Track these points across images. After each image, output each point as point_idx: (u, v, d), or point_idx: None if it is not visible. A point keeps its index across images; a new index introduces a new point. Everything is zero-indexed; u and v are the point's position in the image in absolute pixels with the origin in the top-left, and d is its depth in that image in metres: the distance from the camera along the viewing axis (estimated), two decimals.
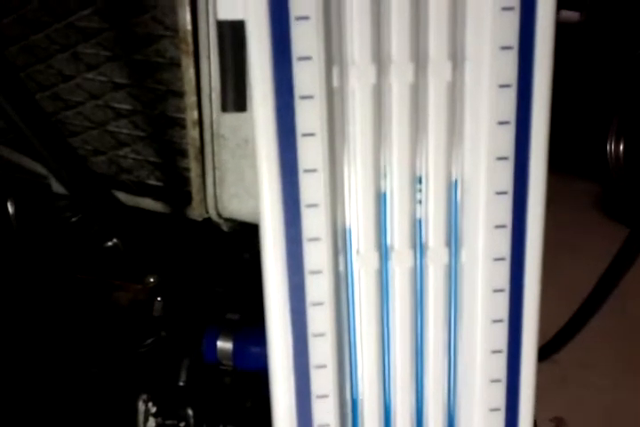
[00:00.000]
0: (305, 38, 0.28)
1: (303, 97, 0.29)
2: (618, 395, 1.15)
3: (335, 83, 0.30)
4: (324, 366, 0.32)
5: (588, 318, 0.54)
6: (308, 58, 0.29)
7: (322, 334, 0.32)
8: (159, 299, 0.58)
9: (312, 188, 0.30)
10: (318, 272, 0.31)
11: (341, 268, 0.32)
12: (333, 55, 0.30)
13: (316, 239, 0.31)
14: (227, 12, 0.28)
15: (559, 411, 1.09)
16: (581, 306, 0.54)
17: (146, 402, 0.54)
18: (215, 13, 0.28)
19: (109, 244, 0.52)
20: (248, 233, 0.46)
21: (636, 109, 1.43)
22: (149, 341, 0.57)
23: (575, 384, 1.14)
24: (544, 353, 0.58)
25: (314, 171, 0.30)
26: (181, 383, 0.55)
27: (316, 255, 0.31)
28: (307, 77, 0.29)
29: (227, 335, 0.53)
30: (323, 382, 0.32)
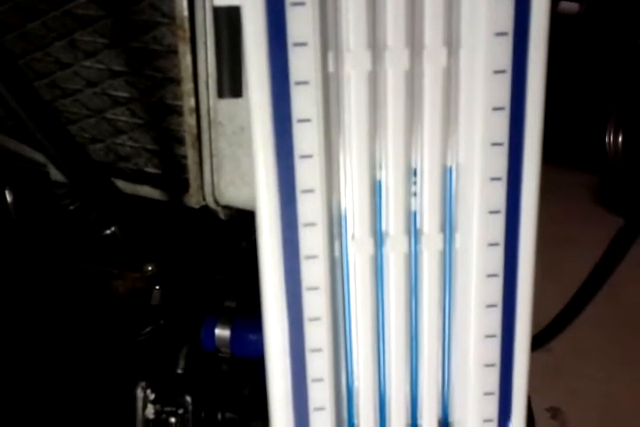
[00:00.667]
0: (300, 24, 0.29)
1: (298, 83, 0.29)
2: (613, 384, 1.15)
3: (331, 68, 0.30)
4: (319, 350, 0.33)
5: (582, 306, 0.54)
6: (303, 44, 0.29)
7: (317, 319, 0.32)
8: (157, 287, 0.58)
9: (308, 173, 0.31)
10: (314, 257, 0.32)
11: (337, 253, 0.33)
12: (329, 41, 0.30)
13: (311, 224, 0.31)
14: None
15: (555, 401, 1.10)
16: (575, 295, 0.54)
17: (144, 389, 0.54)
18: (211, 1, 0.28)
19: (108, 232, 0.52)
20: (245, 221, 0.46)
21: (635, 101, 1.43)
22: (148, 329, 0.58)
23: (570, 374, 1.14)
24: (538, 342, 0.58)
25: (309, 156, 0.30)
26: (180, 371, 0.55)
27: (312, 240, 0.31)
28: (302, 63, 0.29)
29: (224, 323, 0.54)
30: (318, 365, 0.33)
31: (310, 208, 0.31)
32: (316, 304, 0.32)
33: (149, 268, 0.57)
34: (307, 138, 0.30)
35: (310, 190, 0.31)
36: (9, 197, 0.50)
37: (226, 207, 0.42)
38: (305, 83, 0.29)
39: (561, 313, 0.56)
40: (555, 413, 1.10)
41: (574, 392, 1.14)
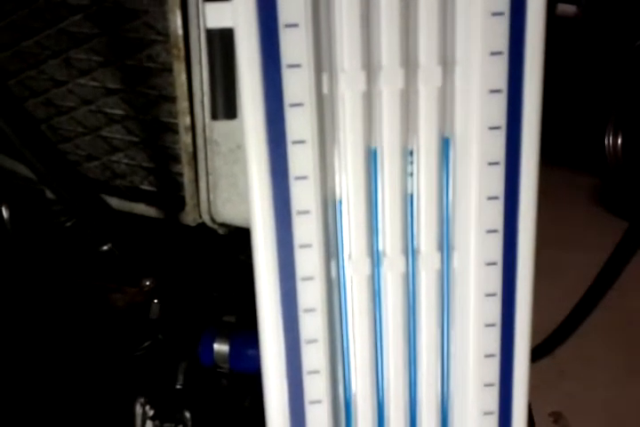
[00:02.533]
0: (294, 46, 0.28)
1: (293, 104, 0.29)
2: (616, 389, 1.15)
3: (325, 90, 0.30)
4: (316, 372, 0.32)
5: (587, 313, 0.54)
6: (297, 65, 0.29)
7: (314, 341, 0.32)
8: (156, 301, 0.58)
9: (303, 194, 0.30)
10: (310, 278, 0.31)
11: (333, 273, 0.32)
12: (323, 62, 0.29)
13: (307, 246, 0.31)
14: (215, 20, 0.28)
15: (558, 405, 1.09)
16: (580, 301, 0.54)
17: (143, 405, 0.54)
18: (204, 22, 0.28)
19: (105, 248, 0.52)
20: (243, 235, 0.46)
21: (634, 103, 1.43)
22: (146, 344, 0.57)
23: (574, 379, 1.14)
24: (544, 349, 0.58)
25: (304, 178, 0.30)
26: (179, 386, 0.55)
27: (308, 261, 0.31)
28: (296, 85, 0.29)
29: (223, 338, 0.53)
30: (316, 388, 0.32)
31: (306, 229, 0.31)
32: (312, 326, 0.32)
33: (147, 282, 0.57)
34: (302, 159, 0.30)
35: (306, 211, 0.31)
36: (5, 214, 0.50)
37: (223, 225, 0.42)
38: (299, 104, 0.29)
39: (566, 320, 0.56)
40: (557, 417, 1.09)
41: (577, 397, 1.13)
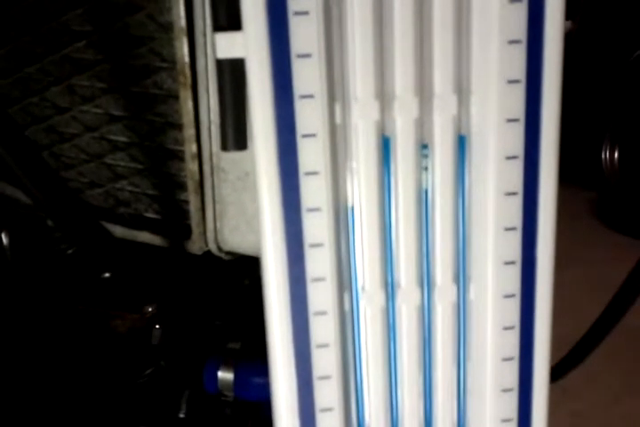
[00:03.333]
0: (306, 76, 0.28)
1: (305, 135, 0.28)
2: (620, 408, 1.14)
3: (338, 120, 0.29)
4: (330, 410, 0.31)
5: (598, 342, 0.53)
6: (309, 96, 0.28)
7: (327, 377, 0.31)
8: (157, 327, 0.57)
9: (316, 227, 0.30)
10: (323, 313, 0.30)
11: (347, 306, 0.31)
12: (335, 92, 0.29)
13: (320, 279, 0.30)
14: (226, 50, 0.27)
15: (561, 424, 1.08)
16: (590, 329, 0.53)
17: None
18: (214, 52, 0.27)
19: (106, 275, 0.51)
20: (247, 260, 0.45)
21: (631, 117, 1.43)
22: (149, 371, 0.56)
23: (577, 398, 1.13)
24: (552, 376, 0.57)
25: (317, 210, 0.29)
26: (182, 415, 0.54)
27: (321, 296, 0.30)
28: (309, 115, 0.28)
29: (228, 365, 0.52)
30: (329, 425, 0.31)
31: (319, 262, 0.30)
32: (325, 362, 0.31)
33: (149, 309, 0.56)
34: (314, 190, 0.29)
35: (319, 244, 0.30)
36: (5, 241, 0.49)
37: (229, 253, 0.41)
38: (312, 135, 0.28)
39: (576, 347, 0.55)
40: None
41: (580, 416, 1.12)
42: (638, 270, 0.46)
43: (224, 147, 0.29)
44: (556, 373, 0.56)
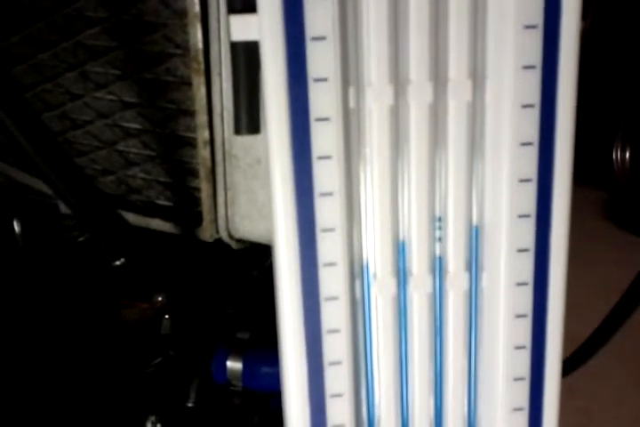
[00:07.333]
0: (321, 59, 0.28)
1: (319, 119, 0.28)
2: (628, 407, 1.13)
3: (352, 104, 0.29)
4: (340, 395, 0.31)
5: (607, 338, 0.53)
6: (324, 79, 0.28)
7: (338, 363, 0.31)
8: (167, 317, 0.57)
9: (328, 211, 0.29)
10: (334, 298, 0.30)
11: (358, 293, 0.31)
12: (350, 76, 0.29)
13: (332, 264, 0.30)
14: (240, 32, 0.27)
15: (568, 422, 1.08)
16: (599, 327, 0.53)
17: (154, 423, 0.53)
18: (229, 34, 0.27)
19: (117, 263, 0.51)
20: (257, 250, 0.45)
21: None
22: (158, 360, 0.56)
23: (584, 396, 1.12)
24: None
25: (330, 194, 0.29)
26: (190, 404, 0.54)
27: (332, 281, 0.30)
28: (323, 99, 0.28)
29: (237, 355, 0.52)
30: (339, 412, 0.31)
31: (331, 247, 0.30)
32: (336, 348, 0.31)
33: (159, 298, 0.56)
34: (327, 175, 0.29)
35: (331, 229, 0.30)
36: (17, 229, 0.49)
37: (240, 241, 0.41)
38: (325, 119, 0.28)
39: (584, 345, 0.54)
40: None
41: (588, 414, 1.12)
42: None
43: (237, 130, 0.28)
44: (565, 369, 0.56)
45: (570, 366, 0.56)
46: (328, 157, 0.29)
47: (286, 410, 0.31)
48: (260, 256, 0.58)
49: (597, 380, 1.14)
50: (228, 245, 0.44)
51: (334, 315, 0.30)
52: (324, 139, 0.29)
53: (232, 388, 0.53)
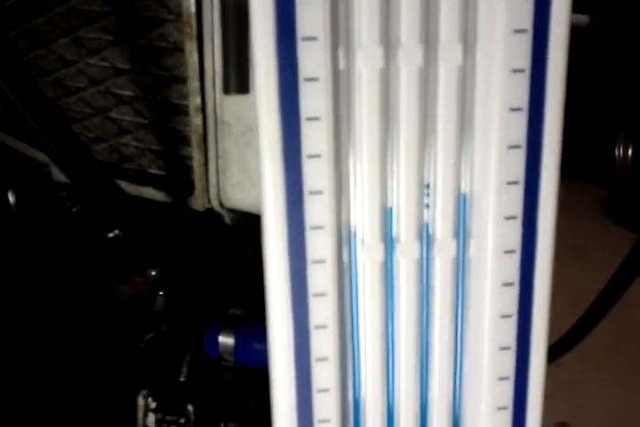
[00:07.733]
0: (310, 17, 0.27)
1: (308, 79, 0.28)
2: (623, 401, 1.14)
3: (341, 65, 0.29)
4: (325, 359, 0.31)
5: (595, 323, 0.53)
6: (313, 38, 0.28)
7: (324, 326, 0.31)
8: (161, 293, 0.57)
9: (316, 174, 0.29)
10: (321, 262, 0.30)
11: (345, 258, 0.31)
12: (340, 36, 0.28)
13: (319, 227, 0.30)
14: None
15: (564, 416, 1.08)
16: (587, 311, 0.53)
17: (146, 397, 0.53)
18: None
19: (111, 235, 0.51)
20: (251, 227, 0.45)
21: None
22: (150, 335, 0.57)
23: (580, 389, 1.13)
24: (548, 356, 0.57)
25: (318, 156, 0.29)
26: (182, 379, 0.54)
27: (320, 244, 0.30)
28: (311, 58, 0.28)
29: (229, 331, 0.52)
30: (324, 375, 0.31)
31: (318, 211, 0.30)
32: (322, 311, 0.31)
33: (153, 272, 0.56)
34: (315, 137, 0.29)
35: (318, 192, 0.30)
36: (11, 199, 0.49)
37: (232, 211, 0.41)
38: (314, 79, 0.28)
39: (573, 329, 0.54)
40: None
41: (583, 408, 1.12)
42: (633, 255, 0.46)
43: (226, 89, 0.28)
44: (552, 354, 0.56)
45: (556, 351, 0.56)
46: (317, 119, 0.29)
47: (272, 373, 0.31)
48: (254, 233, 0.58)
49: (593, 374, 1.15)
50: (223, 222, 0.44)
51: (321, 278, 0.30)
52: (313, 99, 0.28)
53: (224, 363, 0.53)
